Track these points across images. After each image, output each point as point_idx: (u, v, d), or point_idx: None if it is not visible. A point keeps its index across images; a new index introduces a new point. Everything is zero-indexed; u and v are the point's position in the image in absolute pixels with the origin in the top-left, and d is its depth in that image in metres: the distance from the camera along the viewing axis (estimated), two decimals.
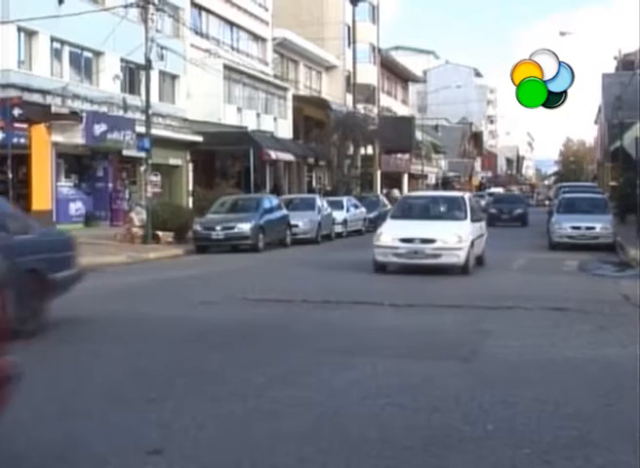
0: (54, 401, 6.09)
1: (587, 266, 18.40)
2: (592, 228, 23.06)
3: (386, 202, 40.89)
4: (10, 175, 19.84)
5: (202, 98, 36.29)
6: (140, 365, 7.50)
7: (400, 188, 64.74)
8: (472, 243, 15.92)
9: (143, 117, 26.11)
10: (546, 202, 78.59)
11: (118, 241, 23.84)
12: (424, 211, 17.51)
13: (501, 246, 22.52)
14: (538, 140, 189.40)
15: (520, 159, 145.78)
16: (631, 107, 36.99)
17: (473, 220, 16.80)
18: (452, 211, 17.12)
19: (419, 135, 62.72)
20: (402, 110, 70.17)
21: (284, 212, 25.62)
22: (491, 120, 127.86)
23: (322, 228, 27.56)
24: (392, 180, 62.44)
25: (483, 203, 42.88)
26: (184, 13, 36.36)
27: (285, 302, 11.87)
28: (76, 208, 30.38)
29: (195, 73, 36.24)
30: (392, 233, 15.99)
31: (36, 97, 27.07)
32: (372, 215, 34.92)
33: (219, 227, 22.70)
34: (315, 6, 53.05)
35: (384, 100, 63.39)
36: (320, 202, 28.83)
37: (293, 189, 43.73)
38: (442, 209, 17.49)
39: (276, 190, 37.79)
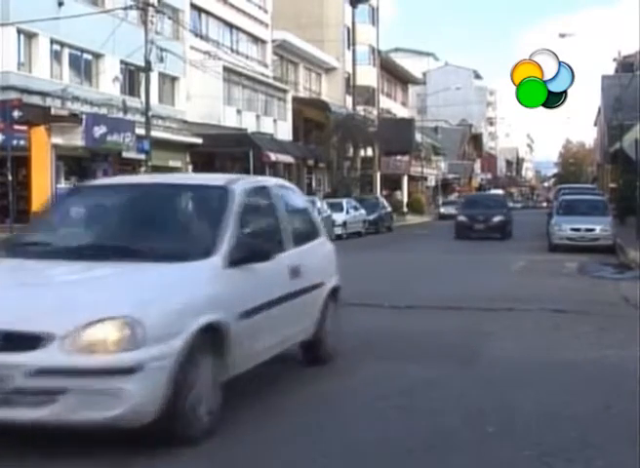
0: None
1: (587, 268, 18.39)
2: (592, 230, 23.05)
3: (386, 204, 40.99)
4: (10, 178, 19.82)
5: (202, 100, 36.29)
6: None
7: (400, 190, 64.86)
8: (226, 334, 5.29)
9: (143, 119, 26.11)
10: (544, 204, 78.82)
11: None
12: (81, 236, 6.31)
13: (500, 248, 22.57)
14: (537, 142, 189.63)
15: (520, 161, 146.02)
16: (631, 109, 37.01)
17: (237, 261, 5.59)
18: (158, 236, 5.94)
19: (418, 136, 62.72)
20: (402, 112, 70.20)
21: None
22: (490, 122, 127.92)
23: None
24: (392, 182, 62.47)
25: None
26: (184, 15, 36.37)
27: None
28: None
29: (195, 75, 36.25)
30: None
31: (36, 100, 27.06)
32: (371, 217, 34.98)
33: None
34: (315, 8, 53.06)
35: (384, 102, 63.40)
36: (320, 204, 28.83)
37: None
38: (136, 231, 6.09)
39: None
